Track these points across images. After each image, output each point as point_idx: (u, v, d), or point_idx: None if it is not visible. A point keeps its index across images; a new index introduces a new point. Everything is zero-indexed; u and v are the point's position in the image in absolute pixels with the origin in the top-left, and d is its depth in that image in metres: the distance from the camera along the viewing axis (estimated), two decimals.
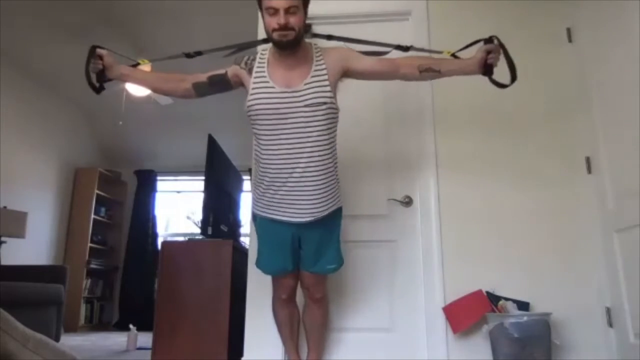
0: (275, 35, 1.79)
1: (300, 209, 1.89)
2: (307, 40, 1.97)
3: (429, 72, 1.95)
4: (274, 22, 1.77)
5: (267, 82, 1.88)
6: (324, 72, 1.89)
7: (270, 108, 1.85)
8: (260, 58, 1.94)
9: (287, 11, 1.74)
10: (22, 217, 4.38)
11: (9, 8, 3.99)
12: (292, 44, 1.82)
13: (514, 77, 1.84)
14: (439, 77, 2.02)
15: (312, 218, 1.90)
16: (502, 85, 1.88)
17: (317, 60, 1.91)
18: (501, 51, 1.85)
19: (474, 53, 1.92)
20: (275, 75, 1.88)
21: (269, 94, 1.86)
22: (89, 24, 4.30)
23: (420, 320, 2.48)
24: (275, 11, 1.75)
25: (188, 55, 2.04)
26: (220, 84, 1.97)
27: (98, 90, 1.95)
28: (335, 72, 1.92)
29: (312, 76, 1.87)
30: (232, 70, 1.96)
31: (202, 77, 1.97)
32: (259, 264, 2.10)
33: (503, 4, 2.82)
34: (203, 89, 1.98)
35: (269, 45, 1.93)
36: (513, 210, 2.56)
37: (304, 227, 1.93)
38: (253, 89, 1.89)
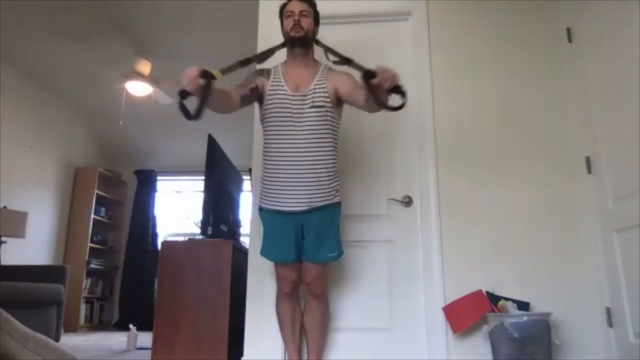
0: (291, 32, 2.17)
1: (298, 199, 2.10)
2: (320, 60, 2.24)
3: (369, 101, 1.99)
4: (290, 22, 2.17)
5: (282, 85, 2.17)
6: (325, 83, 2.18)
7: (284, 109, 2.14)
8: (275, 70, 2.24)
9: (301, 14, 2.16)
10: (22, 217, 4.37)
11: (10, 8, 3.99)
12: (302, 41, 2.17)
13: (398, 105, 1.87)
14: (372, 107, 2.06)
15: (307, 207, 2.10)
16: (394, 108, 1.88)
17: (321, 73, 2.21)
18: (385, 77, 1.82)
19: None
20: (289, 78, 2.19)
21: (283, 97, 2.15)
22: (89, 24, 4.30)
23: (420, 320, 2.48)
24: (292, 13, 2.18)
25: (242, 64, 2.08)
26: (255, 96, 2.22)
27: (198, 115, 1.87)
28: (332, 87, 2.18)
29: (316, 83, 2.17)
30: (259, 82, 2.22)
31: (246, 91, 2.16)
32: (262, 252, 2.23)
33: (503, 4, 2.82)
34: (245, 102, 2.17)
35: (284, 60, 2.27)
36: (513, 210, 2.56)
37: (305, 217, 2.12)
38: (270, 91, 2.18)
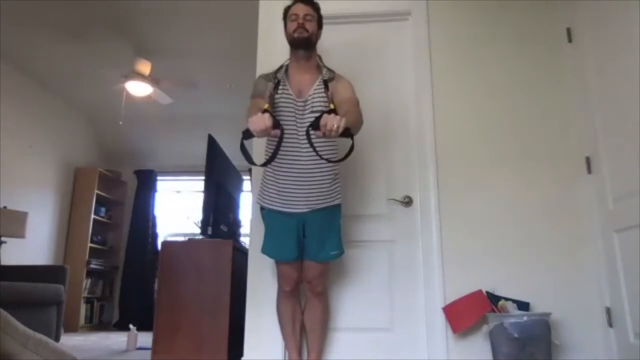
0: (294, 34, 2.18)
1: (298, 201, 2.14)
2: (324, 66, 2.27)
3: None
4: (294, 25, 2.18)
5: (288, 90, 2.20)
6: (322, 89, 2.19)
7: (289, 114, 2.16)
8: (282, 74, 2.25)
9: (305, 18, 2.18)
10: (22, 217, 4.37)
11: (9, 8, 3.99)
12: (306, 42, 2.18)
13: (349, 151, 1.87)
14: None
15: (308, 209, 2.14)
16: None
17: (320, 80, 2.21)
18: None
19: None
20: (293, 83, 2.21)
21: (289, 102, 2.17)
22: (90, 24, 4.30)
23: (420, 320, 2.48)
24: (296, 17, 2.19)
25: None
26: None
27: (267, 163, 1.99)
28: (331, 94, 2.18)
29: (315, 89, 2.19)
30: (269, 88, 2.19)
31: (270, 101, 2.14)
32: (264, 250, 2.24)
33: (503, 4, 2.82)
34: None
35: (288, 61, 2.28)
36: (513, 210, 2.56)
37: (307, 217, 2.15)
38: (278, 96, 2.19)
